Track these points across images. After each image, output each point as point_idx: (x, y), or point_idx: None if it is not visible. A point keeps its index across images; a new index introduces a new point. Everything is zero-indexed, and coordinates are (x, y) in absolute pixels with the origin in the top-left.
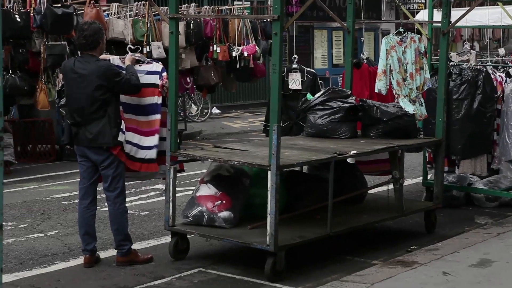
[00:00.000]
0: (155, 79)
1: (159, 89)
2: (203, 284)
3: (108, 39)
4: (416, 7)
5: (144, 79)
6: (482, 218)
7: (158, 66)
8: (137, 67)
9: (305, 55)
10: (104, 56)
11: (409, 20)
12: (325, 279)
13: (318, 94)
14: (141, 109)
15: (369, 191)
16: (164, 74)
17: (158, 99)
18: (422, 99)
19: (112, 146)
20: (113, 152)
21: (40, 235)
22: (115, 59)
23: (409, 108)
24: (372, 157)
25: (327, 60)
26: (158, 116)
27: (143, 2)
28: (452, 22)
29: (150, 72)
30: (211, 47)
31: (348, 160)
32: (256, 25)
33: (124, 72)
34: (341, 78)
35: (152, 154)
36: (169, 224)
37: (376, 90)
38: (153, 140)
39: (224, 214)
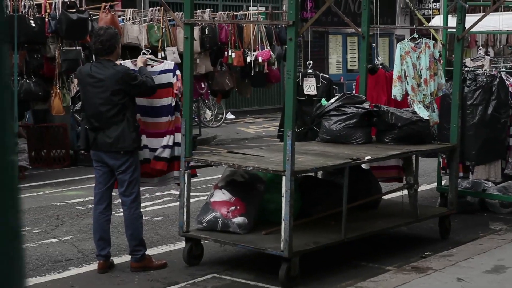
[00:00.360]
0: (169, 78)
1: (174, 89)
2: None
3: (123, 44)
4: (431, 13)
5: (158, 79)
6: (497, 224)
7: (170, 64)
8: (149, 68)
9: (320, 61)
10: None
11: (424, 25)
12: (339, 285)
13: (332, 100)
14: (154, 111)
15: (383, 197)
16: (178, 72)
17: (172, 100)
18: (435, 105)
19: (131, 150)
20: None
21: (54, 240)
22: (127, 63)
23: (424, 113)
24: (381, 162)
25: (342, 65)
26: (166, 118)
27: (158, 7)
28: (466, 28)
29: (163, 71)
30: (225, 53)
31: (363, 165)
32: (271, 30)
33: (139, 75)
34: (355, 84)
35: (166, 153)
36: (183, 229)
37: (392, 96)
38: (162, 141)
39: (239, 219)
